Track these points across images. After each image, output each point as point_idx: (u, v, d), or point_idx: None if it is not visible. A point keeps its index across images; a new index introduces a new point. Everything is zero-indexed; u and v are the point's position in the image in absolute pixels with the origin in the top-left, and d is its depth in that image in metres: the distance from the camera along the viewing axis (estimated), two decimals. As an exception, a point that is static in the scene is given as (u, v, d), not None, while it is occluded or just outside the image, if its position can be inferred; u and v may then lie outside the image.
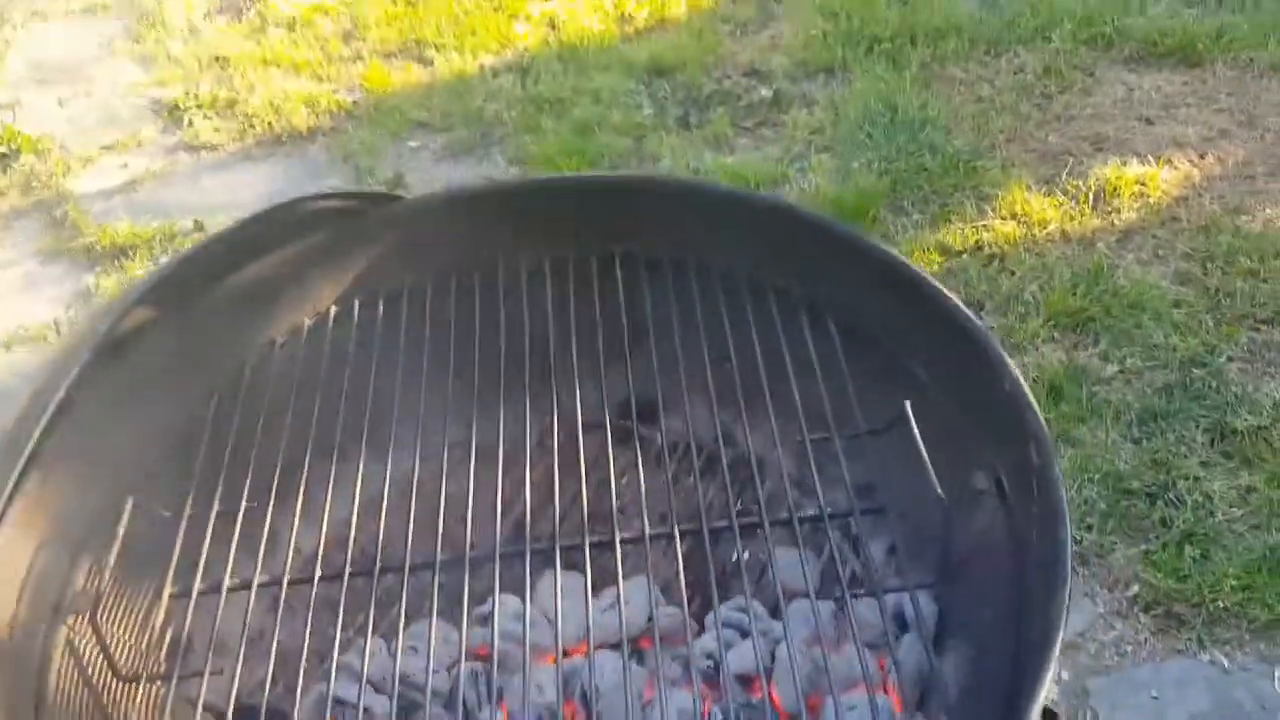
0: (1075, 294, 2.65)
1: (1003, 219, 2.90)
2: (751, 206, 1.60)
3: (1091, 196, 2.97)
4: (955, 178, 3.03)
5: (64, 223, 3.22)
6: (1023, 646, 1.07)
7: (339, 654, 1.39)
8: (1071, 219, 2.92)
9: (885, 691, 1.30)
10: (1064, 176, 3.03)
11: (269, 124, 3.52)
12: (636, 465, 1.37)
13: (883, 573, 1.35)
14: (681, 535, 1.26)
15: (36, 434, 1.14)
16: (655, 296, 1.54)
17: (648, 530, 1.27)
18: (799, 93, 3.47)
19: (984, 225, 2.88)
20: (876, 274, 1.43)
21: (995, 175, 3.04)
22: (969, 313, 1.32)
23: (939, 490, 1.13)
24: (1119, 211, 2.95)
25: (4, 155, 3.47)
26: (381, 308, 1.55)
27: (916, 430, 1.19)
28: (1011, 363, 1.23)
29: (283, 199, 1.46)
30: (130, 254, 3.06)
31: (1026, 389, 1.20)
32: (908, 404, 1.23)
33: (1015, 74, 3.47)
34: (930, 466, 1.15)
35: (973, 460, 1.25)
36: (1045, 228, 2.88)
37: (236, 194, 3.25)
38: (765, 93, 3.47)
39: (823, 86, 3.50)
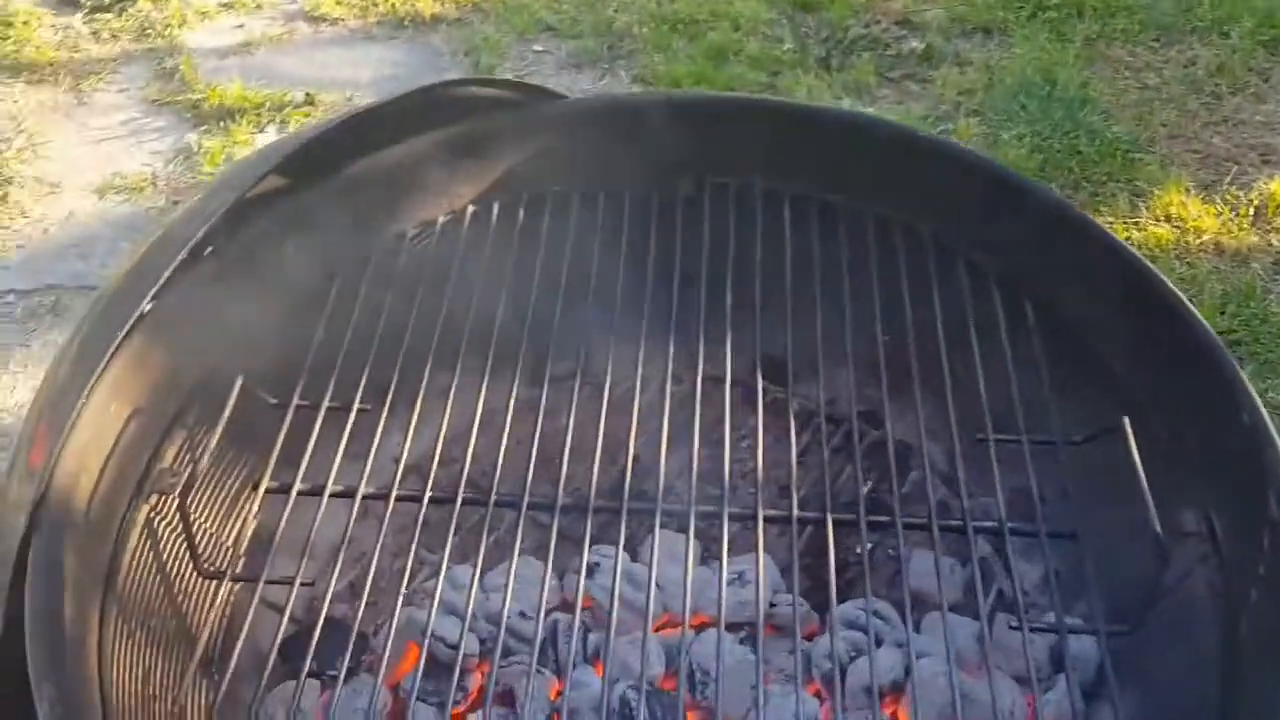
0: (1224, 313, 2.46)
1: (1156, 219, 2.70)
2: (953, 160, 1.41)
3: (1252, 211, 2.75)
4: (1110, 166, 2.82)
5: (174, 75, 3.13)
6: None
7: (432, 583, 1.30)
8: (1228, 232, 2.72)
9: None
10: (1225, 184, 2.81)
11: (393, 5, 3.37)
12: (788, 437, 1.22)
13: (1040, 600, 1.21)
14: (835, 524, 1.12)
15: (151, 292, 1.02)
16: (826, 244, 1.38)
17: (795, 513, 1.13)
18: (952, 50, 3.25)
19: (1135, 223, 2.68)
20: (1094, 258, 1.26)
21: (1153, 171, 2.82)
22: (1208, 326, 1.15)
23: (1157, 527, 0.98)
24: (1279, 232, 2.73)
25: (121, -1, 3.38)
26: (522, 214, 1.40)
27: (1136, 450, 1.03)
28: (1255, 393, 1.07)
29: (399, 84, 1.31)
30: (237, 117, 2.96)
31: (1270, 425, 1.04)
32: (1126, 420, 1.07)
33: (1185, 66, 3.22)
34: (1149, 496, 0.99)
35: (1183, 497, 1.09)
36: (1199, 236, 2.68)
37: (354, 71, 3.13)
38: (916, 44, 3.26)
39: (979, 46, 3.27)
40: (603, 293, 1.36)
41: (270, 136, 2.94)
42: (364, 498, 1.14)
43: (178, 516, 1.14)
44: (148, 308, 1.05)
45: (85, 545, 1.03)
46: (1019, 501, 1.15)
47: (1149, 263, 1.25)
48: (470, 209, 1.41)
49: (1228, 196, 2.79)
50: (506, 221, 1.41)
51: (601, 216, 1.41)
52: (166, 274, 1.03)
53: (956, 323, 1.26)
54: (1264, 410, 1.06)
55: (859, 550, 1.43)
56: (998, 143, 2.88)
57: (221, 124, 2.96)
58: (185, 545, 1.11)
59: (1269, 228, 2.74)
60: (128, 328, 1.03)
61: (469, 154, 1.39)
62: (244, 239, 1.20)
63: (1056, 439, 1.16)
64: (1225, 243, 2.69)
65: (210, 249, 1.14)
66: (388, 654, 1.11)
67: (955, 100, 3.05)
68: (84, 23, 3.34)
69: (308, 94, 3.03)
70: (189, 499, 1.06)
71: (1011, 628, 1.05)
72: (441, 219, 1.39)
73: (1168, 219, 2.71)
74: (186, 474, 1.07)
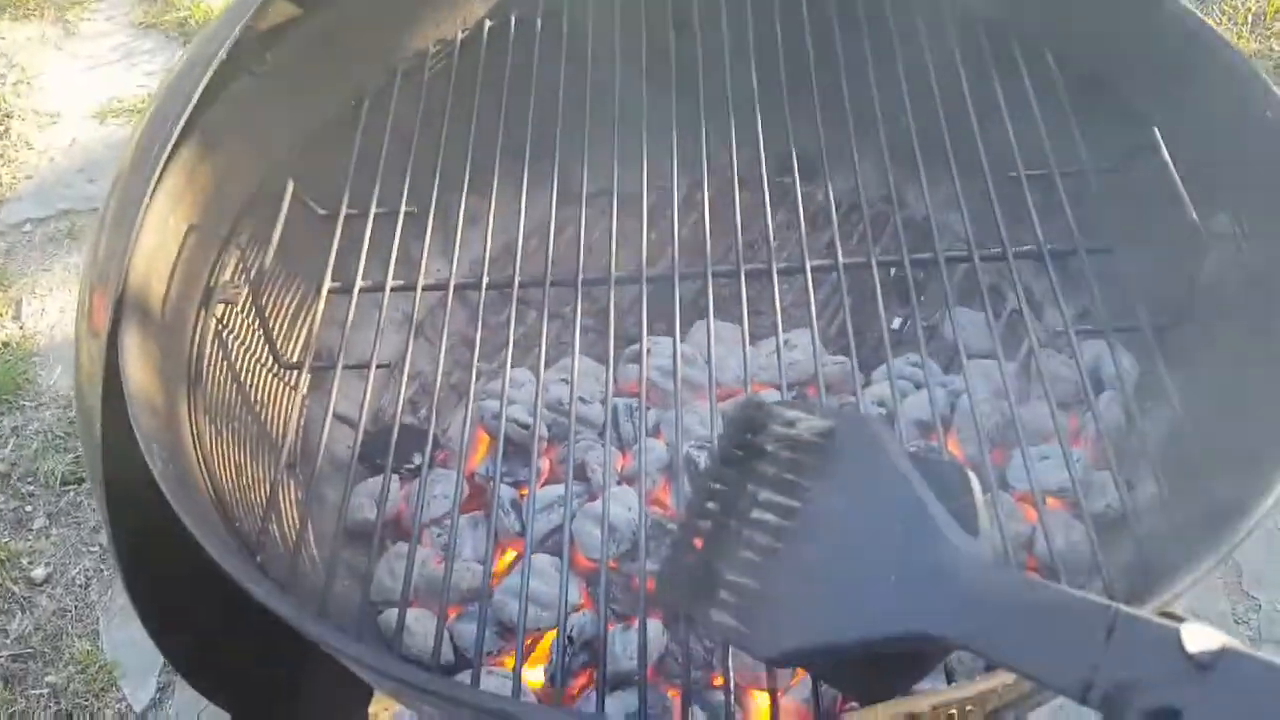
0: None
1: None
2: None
3: (1250, 18, 2.76)
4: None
5: (157, -4, 3.13)
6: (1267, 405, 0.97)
7: (494, 385, 1.34)
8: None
9: (1079, 446, 1.21)
10: (1221, -4, 2.82)
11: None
12: (824, 220, 1.24)
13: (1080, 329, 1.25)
14: (880, 265, 1.16)
15: (188, 111, 1.04)
16: (845, 25, 1.39)
17: (841, 260, 1.17)
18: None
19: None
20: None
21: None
22: (1225, 38, 1.17)
23: (1193, 215, 1.01)
24: (1278, 37, 2.75)
25: (97, -79, 3.35)
26: (540, 24, 1.42)
27: (1168, 156, 1.06)
28: (1275, 89, 1.09)
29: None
30: (227, 25, 2.95)
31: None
32: (1156, 130, 1.10)
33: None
34: (1185, 193, 1.03)
35: (1214, 202, 1.12)
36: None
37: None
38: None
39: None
40: (627, 100, 1.36)
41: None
42: (424, 289, 1.18)
43: (245, 327, 1.18)
44: (193, 119, 1.07)
45: (166, 343, 1.06)
46: (1055, 231, 1.18)
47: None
48: (488, 23, 1.42)
49: (1225, 7, 2.79)
50: (525, 34, 1.42)
51: (618, 21, 1.41)
52: (200, 89, 1.05)
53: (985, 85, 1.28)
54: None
55: (894, 326, 1.49)
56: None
57: (213, 33, 2.95)
58: (255, 355, 1.15)
59: (1268, 33, 2.75)
60: (173, 142, 1.05)
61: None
62: (261, 66, 1.22)
63: (1088, 168, 1.19)
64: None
65: (231, 70, 1.15)
66: (464, 443, 1.14)
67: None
68: (63, -47, 3.32)
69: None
70: (260, 301, 1.10)
71: (1057, 332, 1.09)
72: (460, 35, 1.41)
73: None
74: (254, 274, 1.10)
